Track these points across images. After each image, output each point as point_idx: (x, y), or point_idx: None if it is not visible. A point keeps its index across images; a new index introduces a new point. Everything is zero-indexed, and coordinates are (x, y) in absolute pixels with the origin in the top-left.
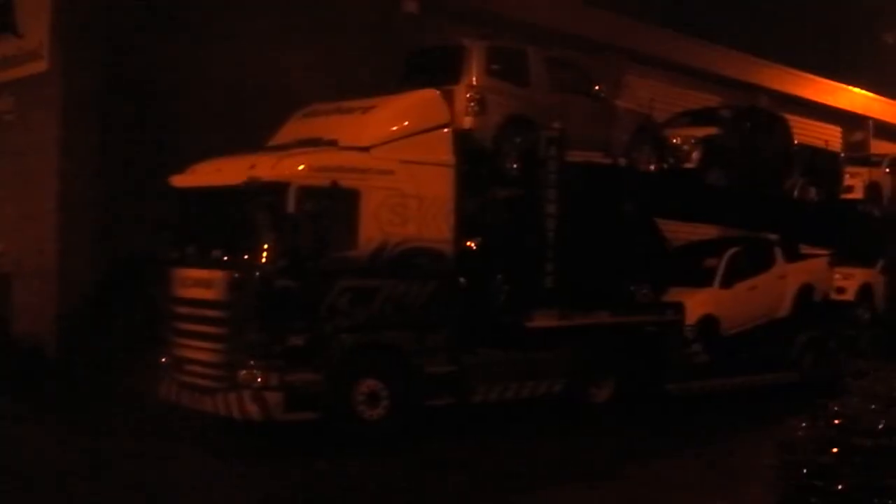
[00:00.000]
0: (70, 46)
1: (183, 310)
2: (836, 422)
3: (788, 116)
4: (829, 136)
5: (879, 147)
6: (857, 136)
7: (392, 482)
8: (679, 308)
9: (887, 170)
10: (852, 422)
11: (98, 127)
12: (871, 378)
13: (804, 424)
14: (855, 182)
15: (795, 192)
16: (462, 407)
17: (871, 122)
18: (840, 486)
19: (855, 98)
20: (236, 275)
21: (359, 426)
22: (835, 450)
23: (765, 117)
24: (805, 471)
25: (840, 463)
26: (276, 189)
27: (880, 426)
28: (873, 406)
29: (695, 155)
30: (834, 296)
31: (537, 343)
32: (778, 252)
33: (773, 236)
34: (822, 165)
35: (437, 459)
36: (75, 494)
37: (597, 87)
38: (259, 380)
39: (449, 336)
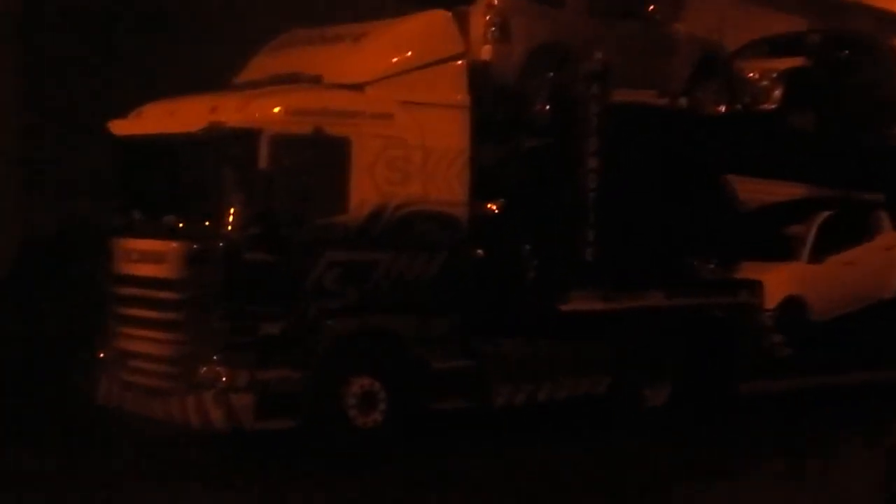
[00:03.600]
0: None
1: (128, 291)
2: None
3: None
4: None
5: None
6: None
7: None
8: (756, 288)
9: None
10: None
11: (18, 62)
12: None
13: None
14: None
15: None
16: (480, 412)
17: None
18: None
19: None
20: (195, 246)
21: (350, 435)
22: None
23: (864, 45)
24: None
25: None
26: (245, 138)
27: None
28: None
29: (776, 93)
30: None
31: (575, 332)
32: (883, 217)
33: (875, 197)
34: None
35: (442, 475)
36: None
37: (651, 9)
38: (224, 378)
39: (463, 323)
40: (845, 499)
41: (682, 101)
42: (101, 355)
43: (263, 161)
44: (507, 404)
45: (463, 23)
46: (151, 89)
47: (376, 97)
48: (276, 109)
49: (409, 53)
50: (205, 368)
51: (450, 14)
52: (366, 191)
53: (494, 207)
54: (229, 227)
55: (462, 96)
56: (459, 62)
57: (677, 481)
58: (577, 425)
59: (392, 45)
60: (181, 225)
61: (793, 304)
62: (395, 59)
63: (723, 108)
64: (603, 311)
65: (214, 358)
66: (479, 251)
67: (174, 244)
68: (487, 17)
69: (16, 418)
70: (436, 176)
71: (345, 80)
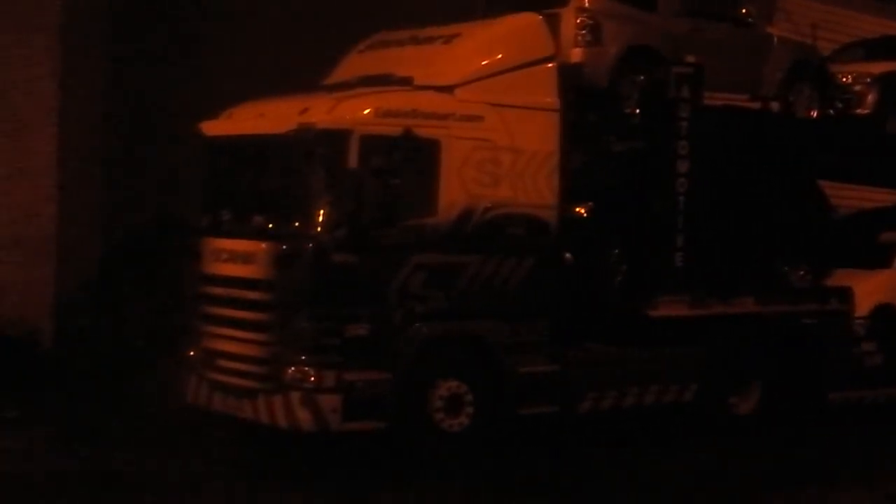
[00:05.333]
0: None
1: (216, 291)
2: None
3: None
4: None
5: None
6: None
7: None
8: (847, 295)
9: None
10: None
11: (104, 56)
12: None
13: None
14: None
15: None
16: (566, 417)
17: None
18: None
19: None
20: (284, 247)
21: (436, 438)
22: None
23: None
24: None
25: None
26: (335, 139)
27: None
28: None
29: (870, 97)
30: None
31: (663, 337)
32: None
33: None
34: None
35: (529, 480)
36: None
37: (743, 11)
38: (312, 379)
39: (550, 327)
40: None
41: (775, 105)
42: (190, 354)
43: (353, 162)
44: (594, 410)
45: (554, 25)
46: (234, 88)
47: (466, 99)
48: (367, 111)
49: (500, 56)
50: (292, 369)
51: (540, 17)
52: (455, 193)
53: (583, 211)
54: (318, 228)
55: (552, 99)
56: (550, 65)
57: (764, 491)
58: (664, 432)
59: (483, 48)
60: (270, 226)
61: (885, 312)
62: (485, 62)
63: (815, 113)
64: (692, 316)
65: (302, 358)
66: (568, 255)
67: (263, 245)
68: (578, 20)
69: (106, 417)
70: (525, 179)
71: (435, 81)
